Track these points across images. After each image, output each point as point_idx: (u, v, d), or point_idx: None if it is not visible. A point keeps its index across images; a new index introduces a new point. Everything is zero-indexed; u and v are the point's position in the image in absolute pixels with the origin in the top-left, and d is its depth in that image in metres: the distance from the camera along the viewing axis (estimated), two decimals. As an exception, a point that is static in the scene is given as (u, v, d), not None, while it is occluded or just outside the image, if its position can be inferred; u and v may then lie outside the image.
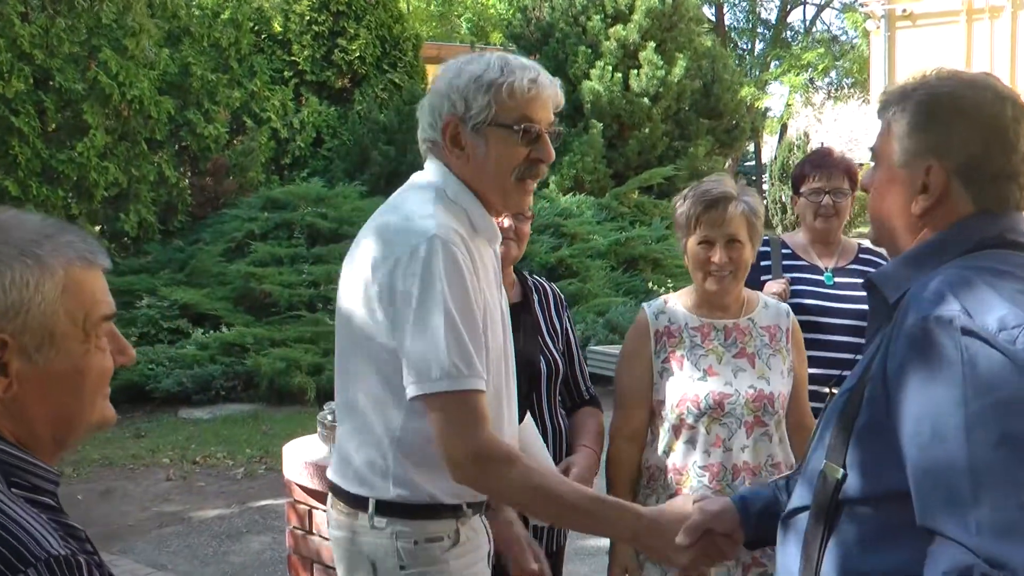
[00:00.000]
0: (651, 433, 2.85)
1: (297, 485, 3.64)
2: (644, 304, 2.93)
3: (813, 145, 17.85)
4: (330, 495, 2.23)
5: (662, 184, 15.30)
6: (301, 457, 3.58)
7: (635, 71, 16.32)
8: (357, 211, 11.43)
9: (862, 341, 2.92)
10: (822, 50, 33.44)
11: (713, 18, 34.43)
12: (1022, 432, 1.37)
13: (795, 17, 39.75)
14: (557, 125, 2.15)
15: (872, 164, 1.73)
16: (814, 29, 38.16)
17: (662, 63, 16.28)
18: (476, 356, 1.97)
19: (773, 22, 38.73)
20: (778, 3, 38.21)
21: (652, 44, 16.38)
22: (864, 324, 3.14)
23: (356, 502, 2.11)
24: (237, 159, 12.77)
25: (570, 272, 11.68)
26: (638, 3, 16.66)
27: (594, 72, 16.05)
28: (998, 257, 1.55)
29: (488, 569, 2.21)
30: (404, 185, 2.21)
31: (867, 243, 3.47)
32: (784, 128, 29.72)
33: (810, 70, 33.17)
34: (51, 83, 10.48)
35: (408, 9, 24.21)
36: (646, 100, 16.21)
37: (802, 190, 3.55)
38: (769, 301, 2.94)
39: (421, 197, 2.10)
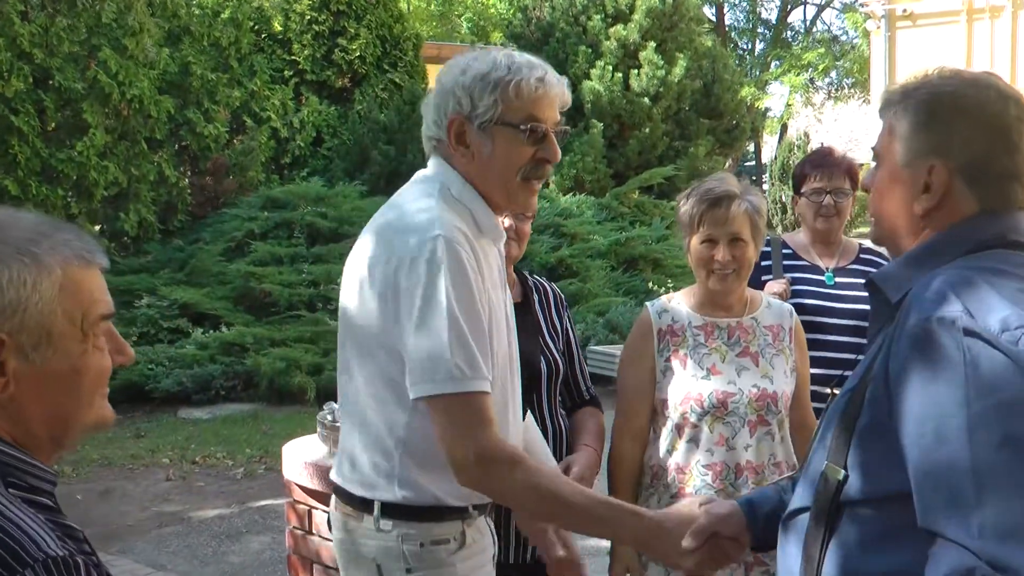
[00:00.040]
0: (653, 432, 2.84)
1: (297, 485, 3.63)
2: (647, 303, 2.93)
3: (813, 145, 17.83)
4: (333, 497, 2.21)
5: (662, 184, 15.31)
6: (301, 457, 3.58)
7: (635, 71, 16.32)
8: (357, 211, 11.43)
9: (863, 341, 2.92)
10: (822, 50, 33.46)
11: (713, 18, 34.43)
12: (1024, 434, 1.36)
13: (795, 17, 39.81)
14: (563, 124, 2.13)
15: (873, 164, 1.72)
16: (814, 29, 38.18)
17: (662, 63, 16.28)
18: (480, 357, 1.95)
19: (773, 22, 38.74)
20: (778, 3, 38.22)
21: (652, 44, 16.38)
22: (865, 324, 3.15)
23: (360, 504, 2.09)
24: (237, 158, 12.77)
25: (570, 272, 11.68)
26: (638, 3, 16.67)
27: (594, 72, 16.06)
28: (1000, 257, 1.54)
29: (493, 570, 2.19)
30: (407, 183, 2.18)
31: (868, 243, 3.47)
32: (784, 128, 29.72)
33: (810, 70, 33.18)
34: (51, 82, 10.47)
35: (408, 9, 24.21)
36: (646, 100, 16.21)
37: (803, 190, 3.55)
38: (772, 301, 2.94)
39: (425, 196, 2.07)
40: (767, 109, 31.02)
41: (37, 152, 10.27)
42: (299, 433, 4.20)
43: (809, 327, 3.09)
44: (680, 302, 2.87)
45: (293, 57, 14.76)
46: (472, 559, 2.09)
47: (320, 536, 3.57)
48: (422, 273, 1.93)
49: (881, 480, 1.51)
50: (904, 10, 17.31)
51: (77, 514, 5.92)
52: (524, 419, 2.39)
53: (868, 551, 1.53)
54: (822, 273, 3.50)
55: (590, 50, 16.46)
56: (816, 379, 2.97)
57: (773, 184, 19.06)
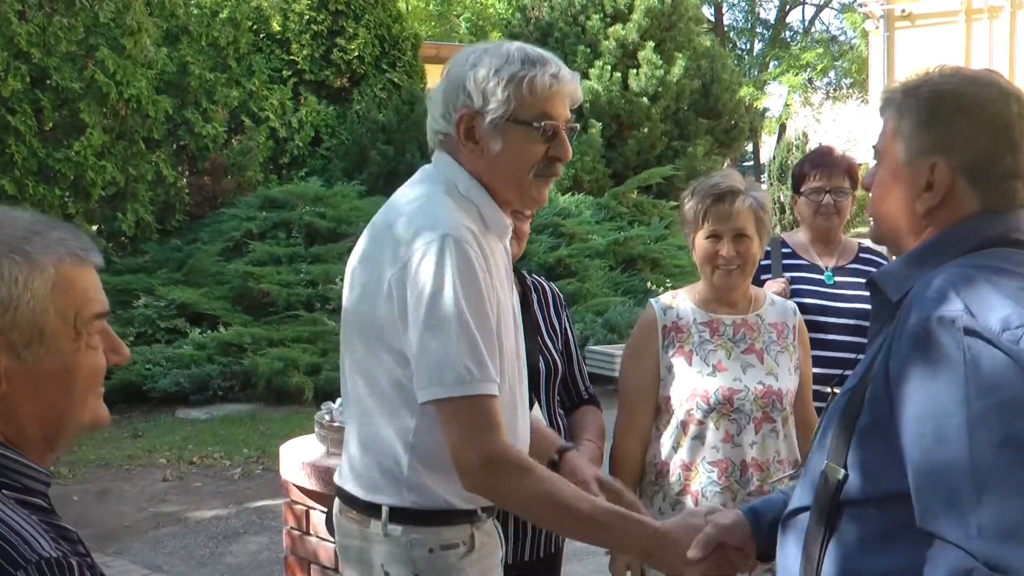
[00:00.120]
0: (656, 429, 2.84)
1: (294, 485, 3.62)
2: (651, 300, 2.92)
3: (812, 145, 17.83)
4: (337, 502, 2.15)
5: (661, 184, 15.32)
6: (298, 457, 3.56)
7: (634, 71, 16.34)
8: (355, 211, 11.42)
9: (862, 340, 2.92)
10: (821, 50, 33.53)
11: (712, 18, 34.44)
12: (1025, 433, 1.36)
13: (794, 17, 39.81)
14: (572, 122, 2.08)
15: (874, 162, 1.71)
16: (813, 29, 38.23)
17: (661, 63, 16.30)
18: (489, 359, 1.90)
19: (772, 22, 38.77)
20: (777, 3, 38.24)
21: (651, 44, 16.41)
22: (864, 323, 3.15)
23: (367, 509, 2.03)
24: (235, 158, 12.75)
25: (569, 272, 11.68)
26: (637, 3, 16.68)
27: (593, 72, 16.06)
28: (1001, 256, 1.54)
29: (501, 573, 2.15)
30: (412, 179, 2.13)
31: (867, 242, 3.46)
32: (783, 128, 29.76)
33: (809, 70, 33.25)
34: (48, 82, 10.46)
35: (407, 8, 24.20)
36: (645, 100, 16.23)
37: (803, 189, 3.55)
38: (776, 298, 2.95)
39: (431, 193, 2.02)
40: (766, 109, 31.04)
41: (34, 152, 10.25)
42: (297, 433, 4.18)
43: (809, 326, 3.09)
44: (684, 299, 2.87)
45: (291, 57, 14.75)
46: (481, 563, 2.05)
47: (318, 536, 3.56)
48: (430, 273, 1.88)
49: (881, 480, 1.50)
50: (902, 10, 17.32)
51: (73, 515, 5.91)
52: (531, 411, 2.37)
53: (868, 551, 1.52)
54: (821, 272, 3.50)
55: (589, 50, 16.47)
56: (816, 378, 2.97)
57: (772, 184, 19.06)
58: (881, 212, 1.68)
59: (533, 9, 17.55)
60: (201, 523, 6.13)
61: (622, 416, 2.86)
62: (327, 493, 3.32)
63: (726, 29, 36.76)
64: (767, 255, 3.49)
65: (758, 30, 39.11)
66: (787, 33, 38.56)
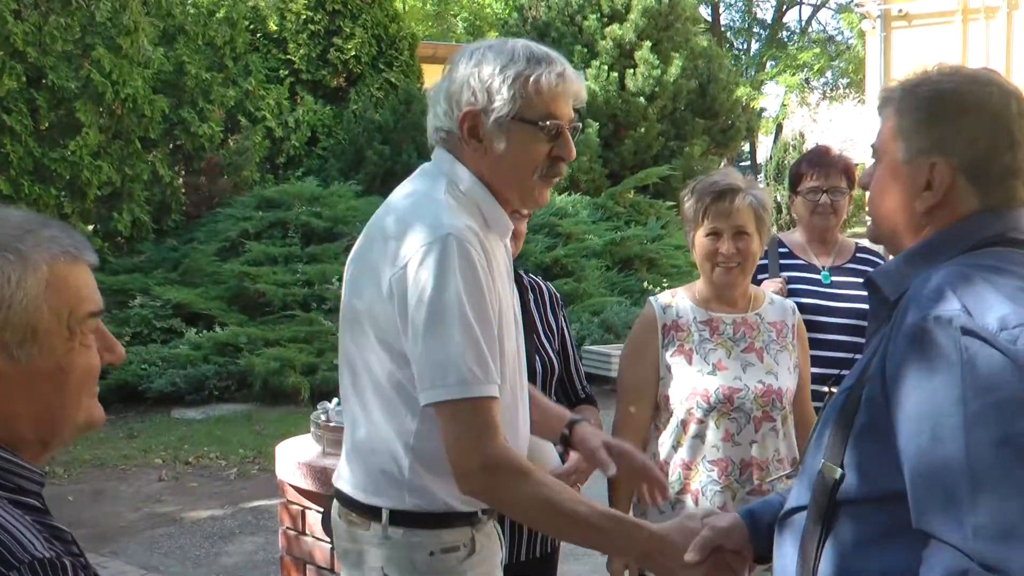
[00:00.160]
0: (655, 428, 2.83)
1: (290, 485, 3.61)
2: (650, 298, 2.92)
3: (808, 145, 17.86)
4: (335, 504, 2.11)
5: (658, 184, 15.34)
6: (294, 457, 3.56)
7: (631, 70, 16.35)
8: (352, 210, 11.41)
9: (859, 340, 2.91)
10: (818, 50, 33.59)
11: (709, 18, 34.48)
12: (1022, 433, 1.35)
13: (791, 17, 39.84)
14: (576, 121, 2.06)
15: (872, 161, 1.71)
16: (810, 29, 38.28)
17: (658, 63, 16.31)
18: (491, 360, 1.88)
19: (769, 22, 38.81)
20: (774, 3, 38.28)
21: (648, 43, 16.42)
22: (861, 323, 3.15)
23: (367, 512, 2.00)
24: (231, 158, 12.74)
25: (565, 272, 11.68)
26: (634, 2, 16.70)
27: (590, 71, 16.07)
28: (1000, 255, 1.53)
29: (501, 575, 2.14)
30: (411, 177, 2.09)
31: (864, 242, 3.46)
32: (779, 128, 29.82)
33: (806, 70, 33.31)
34: (44, 81, 10.44)
35: (404, 8, 24.19)
36: (642, 100, 16.24)
37: (800, 188, 3.55)
38: (775, 297, 2.96)
39: (432, 191, 1.98)
40: (762, 109, 31.12)
41: (30, 151, 10.23)
42: (293, 433, 4.18)
43: (806, 326, 3.09)
44: (683, 298, 2.87)
45: (288, 56, 14.74)
46: (482, 565, 2.03)
47: (313, 537, 3.55)
48: (431, 273, 1.85)
49: (878, 479, 1.50)
50: (899, 10, 17.36)
51: (69, 515, 5.90)
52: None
53: (864, 550, 1.52)
54: (818, 272, 3.50)
55: (586, 49, 16.48)
56: (813, 378, 2.98)
57: (768, 184, 19.09)
58: (880, 211, 1.67)
59: (530, 9, 17.56)
60: (197, 523, 6.12)
61: (620, 414, 2.86)
62: (323, 493, 3.32)
63: (723, 29, 36.80)
64: (764, 255, 3.48)
65: (755, 30, 39.15)
66: (784, 33, 38.62)
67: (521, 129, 1.96)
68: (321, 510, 3.12)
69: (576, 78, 2.03)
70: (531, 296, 2.93)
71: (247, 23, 14.08)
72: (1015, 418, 1.36)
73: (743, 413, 2.73)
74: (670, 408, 2.78)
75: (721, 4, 37.08)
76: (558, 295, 3.05)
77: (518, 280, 2.93)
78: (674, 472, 2.77)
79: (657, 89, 16.31)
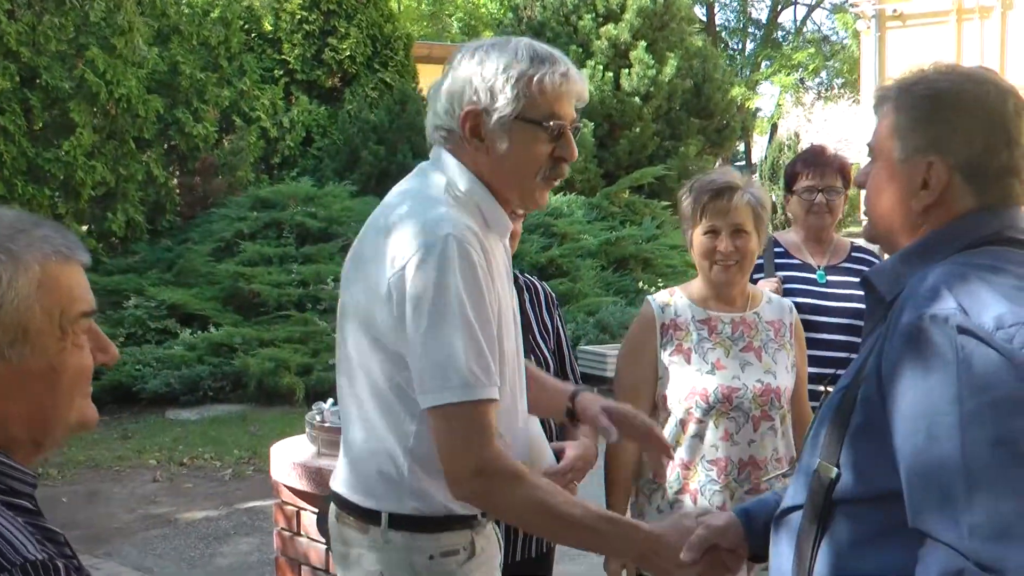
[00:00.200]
0: None
1: (285, 486, 3.60)
2: (648, 297, 2.91)
3: (803, 145, 17.90)
4: (334, 508, 2.08)
5: (652, 184, 15.34)
6: (289, 458, 3.54)
7: (626, 70, 16.36)
8: (347, 211, 11.40)
9: (855, 339, 2.91)
10: (812, 50, 33.63)
11: (704, 18, 34.50)
12: (1017, 433, 1.35)
13: (786, 17, 39.88)
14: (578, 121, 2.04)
15: (868, 160, 1.70)
16: (805, 29, 38.30)
17: (653, 62, 16.31)
18: (492, 361, 1.86)
19: (764, 22, 38.83)
20: (769, 3, 38.31)
21: (643, 43, 16.43)
22: (857, 322, 3.15)
23: (365, 516, 1.98)
24: (226, 158, 12.72)
25: (560, 272, 11.68)
26: (629, 2, 16.71)
27: (585, 71, 16.06)
28: (996, 254, 1.53)
29: None
30: (409, 177, 2.06)
31: (860, 241, 3.46)
32: (774, 128, 29.85)
33: (800, 70, 33.34)
34: (38, 81, 10.41)
35: (399, 8, 24.18)
36: (637, 99, 16.24)
37: (795, 188, 3.55)
38: (772, 296, 2.95)
39: (431, 191, 1.96)
40: (757, 109, 31.16)
41: (23, 151, 10.21)
42: (288, 434, 4.17)
43: (801, 325, 3.08)
44: (681, 297, 2.86)
45: (283, 56, 14.73)
46: (481, 568, 2.01)
47: (308, 537, 3.55)
48: (432, 275, 1.82)
49: (874, 479, 1.50)
50: (894, 10, 17.39)
51: (62, 516, 5.89)
52: None
53: (860, 550, 1.52)
54: (814, 271, 3.50)
55: (581, 49, 16.48)
56: (809, 377, 2.97)
57: (763, 184, 19.12)
58: (876, 211, 1.67)
59: (525, 9, 17.55)
60: (191, 524, 6.11)
61: None
62: (318, 494, 3.31)
63: (718, 29, 36.82)
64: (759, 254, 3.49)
65: (750, 30, 39.18)
66: (779, 33, 38.64)
67: (524, 129, 1.94)
68: (316, 511, 3.11)
69: (579, 78, 2.02)
70: (526, 296, 2.92)
71: (242, 23, 14.06)
72: (1011, 417, 1.36)
73: (742, 412, 2.72)
74: (668, 408, 2.77)
75: (716, 4, 37.11)
76: (553, 295, 3.04)
77: (513, 280, 2.92)
78: (672, 472, 2.76)
79: (652, 89, 16.32)
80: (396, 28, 15.82)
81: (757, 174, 20.91)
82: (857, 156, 14.53)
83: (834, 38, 35.47)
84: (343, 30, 14.80)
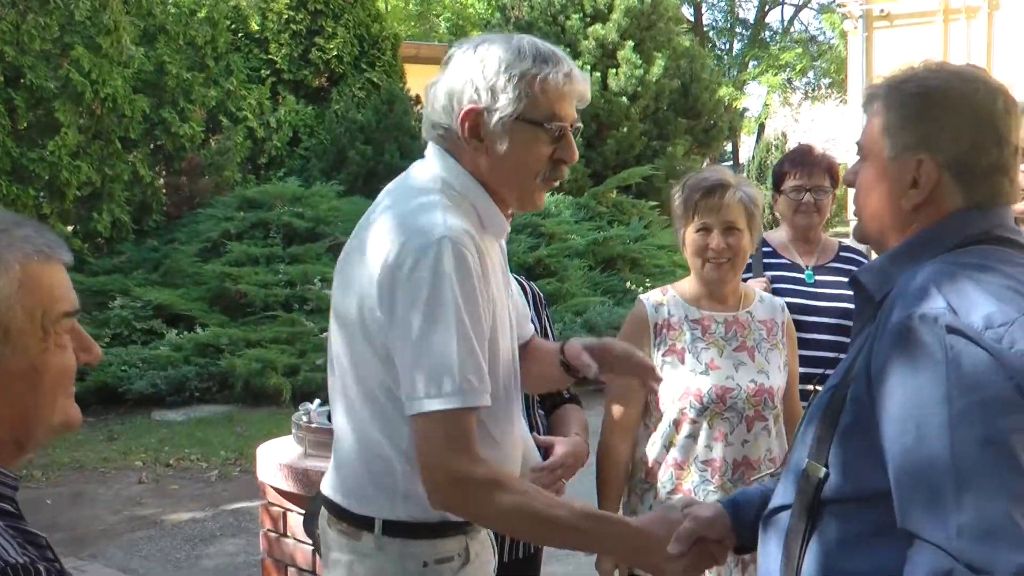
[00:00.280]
0: (645, 427, 2.81)
1: (271, 487, 3.59)
2: (640, 297, 2.90)
3: (790, 145, 17.95)
4: (326, 514, 2.02)
5: (640, 184, 15.35)
6: (275, 459, 3.53)
7: (613, 70, 16.37)
8: (334, 211, 11.38)
9: (844, 339, 2.91)
10: (800, 50, 33.75)
11: (692, 18, 34.58)
12: (1007, 432, 1.35)
13: (773, 17, 40.00)
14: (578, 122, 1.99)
15: (857, 158, 1.69)
16: (792, 29, 38.43)
17: (640, 62, 16.33)
18: (485, 367, 1.83)
19: (751, 22, 38.95)
20: (756, 3, 38.42)
21: (630, 43, 16.45)
22: (845, 322, 3.15)
23: (359, 522, 1.94)
24: (213, 158, 12.68)
25: (548, 272, 11.67)
26: (617, 2, 16.72)
27: (572, 71, 16.06)
28: (985, 253, 1.53)
29: None
30: (402, 176, 2.01)
31: (848, 241, 3.46)
32: (762, 128, 29.94)
33: (788, 70, 33.44)
34: (22, 81, 10.35)
35: (386, 8, 24.15)
36: (624, 99, 16.26)
37: (783, 187, 3.55)
38: (764, 295, 2.95)
39: (426, 191, 1.90)
40: (745, 109, 31.25)
41: (8, 151, 10.14)
42: (274, 435, 4.14)
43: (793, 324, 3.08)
44: (675, 296, 2.85)
45: (270, 56, 14.68)
46: (476, 575, 1.98)
47: (295, 539, 3.53)
48: (426, 278, 1.77)
49: (862, 479, 1.49)
50: (881, 10, 17.45)
51: (47, 519, 5.85)
52: None
53: (848, 550, 1.51)
54: (802, 271, 3.50)
55: (568, 49, 16.26)
56: (799, 377, 2.97)
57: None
58: (866, 210, 1.66)
59: (513, 9, 17.55)
60: (177, 526, 6.08)
61: (609, 414, 2.84)
62: (304, 495, 3.29)
63: (705, 29, 36.92)
64: (748, 254, 3.49)
65: (737, 30, 39.29)
66: (766, 33, 38.77)
67: (524, 130, 1.90)
68: (303, 512, 3.10)
69: (582, 78, 1.96)
70: (514, 296, 2.90)
71: (228, 23, 14.02)
72: (1000, 417, 1.35)
73: (736, 413, 2.71)
74: (660, 408, 2.76)
75: (703, 4, 37.21)
76: (541, 295, 3.03)
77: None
78: (666, 472, 2.75)
79: (639, 89, 16.34)
80: (383, 28, 15.80)
81: (745, 174, 20.97)
82: (844, 156, 14.57)
83: (821, 38, 35.61)
84: (330, 30, 14.77)
